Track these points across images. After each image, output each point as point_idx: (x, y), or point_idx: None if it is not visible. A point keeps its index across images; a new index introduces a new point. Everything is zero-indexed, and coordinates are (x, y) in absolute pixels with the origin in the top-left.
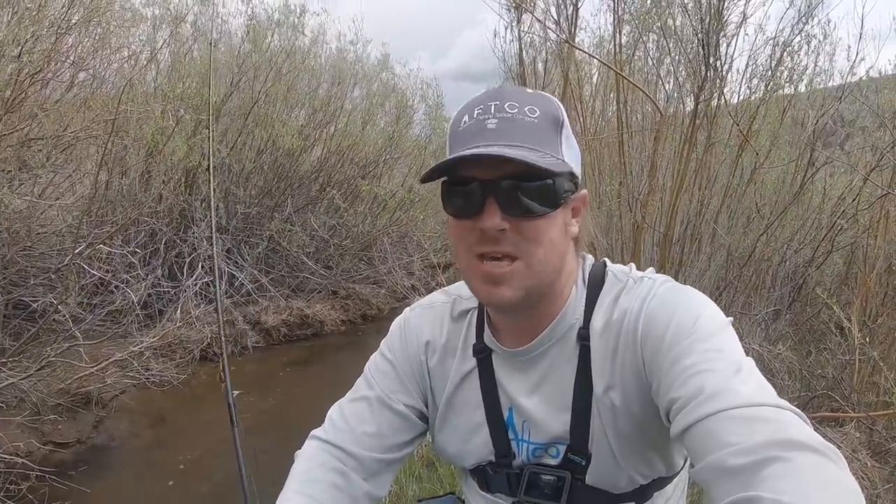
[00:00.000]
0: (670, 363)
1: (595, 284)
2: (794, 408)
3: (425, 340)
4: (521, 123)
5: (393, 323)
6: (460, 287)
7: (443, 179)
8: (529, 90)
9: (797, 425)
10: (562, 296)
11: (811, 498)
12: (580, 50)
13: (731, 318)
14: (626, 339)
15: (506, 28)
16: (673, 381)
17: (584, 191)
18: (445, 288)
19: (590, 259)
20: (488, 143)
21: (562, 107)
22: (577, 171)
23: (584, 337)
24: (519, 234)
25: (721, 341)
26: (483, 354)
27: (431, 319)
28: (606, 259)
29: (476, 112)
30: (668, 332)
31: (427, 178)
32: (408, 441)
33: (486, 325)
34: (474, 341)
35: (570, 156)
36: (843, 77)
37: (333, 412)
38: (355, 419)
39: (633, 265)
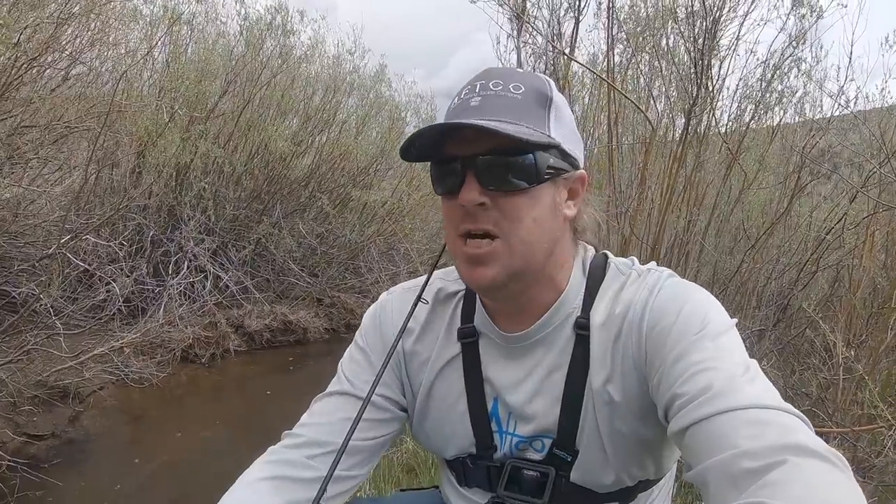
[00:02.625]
0: (675, 358)
1: (596, 275)
2: (799, 413)
3: (403, 326)
4: (504, 100)
5: (366, 312)
6: (449, 271)
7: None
8: (520, 70)
9: (804, 430)
10: (556, 282)
11: None
12: (578, 63)
13: (735, 319)
14: (630, 330)
15: (507, 37)
16: (677, 377)
17: (582, 171)
18: (434, 272)
19: (591, 250)
20: (468, 119)
21: (554, 86)
22: (574, 151)
23: (582, 327)
24: (499, 210)
25: (729, 341)
26: (469, 339)
27: (410, 303)
28: (607, 251)
29: (464, 93)
30: (675, 325)
31: (404, 152)
32: (380, 437)
33: (480, 308)
34: (459, 325)
35: (559, 133)
36: (832, 102)
37: (304, 413)
38: (323, 413)
39: (634, 258)
